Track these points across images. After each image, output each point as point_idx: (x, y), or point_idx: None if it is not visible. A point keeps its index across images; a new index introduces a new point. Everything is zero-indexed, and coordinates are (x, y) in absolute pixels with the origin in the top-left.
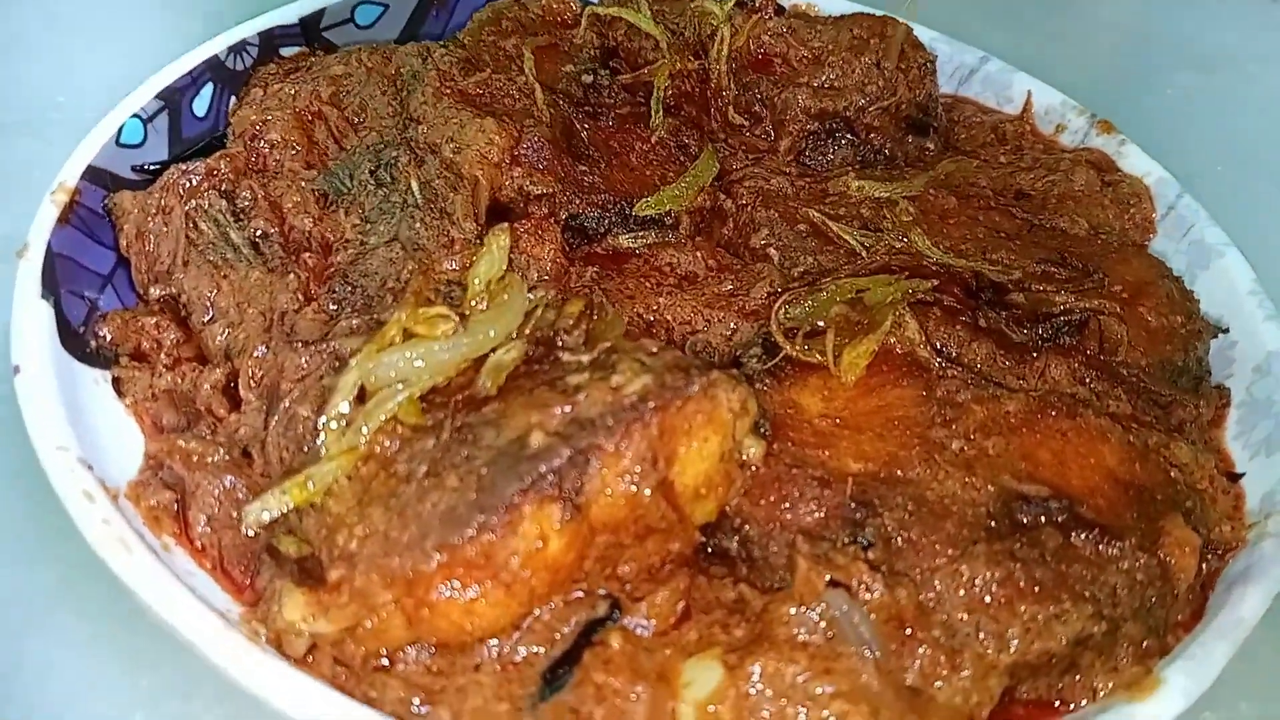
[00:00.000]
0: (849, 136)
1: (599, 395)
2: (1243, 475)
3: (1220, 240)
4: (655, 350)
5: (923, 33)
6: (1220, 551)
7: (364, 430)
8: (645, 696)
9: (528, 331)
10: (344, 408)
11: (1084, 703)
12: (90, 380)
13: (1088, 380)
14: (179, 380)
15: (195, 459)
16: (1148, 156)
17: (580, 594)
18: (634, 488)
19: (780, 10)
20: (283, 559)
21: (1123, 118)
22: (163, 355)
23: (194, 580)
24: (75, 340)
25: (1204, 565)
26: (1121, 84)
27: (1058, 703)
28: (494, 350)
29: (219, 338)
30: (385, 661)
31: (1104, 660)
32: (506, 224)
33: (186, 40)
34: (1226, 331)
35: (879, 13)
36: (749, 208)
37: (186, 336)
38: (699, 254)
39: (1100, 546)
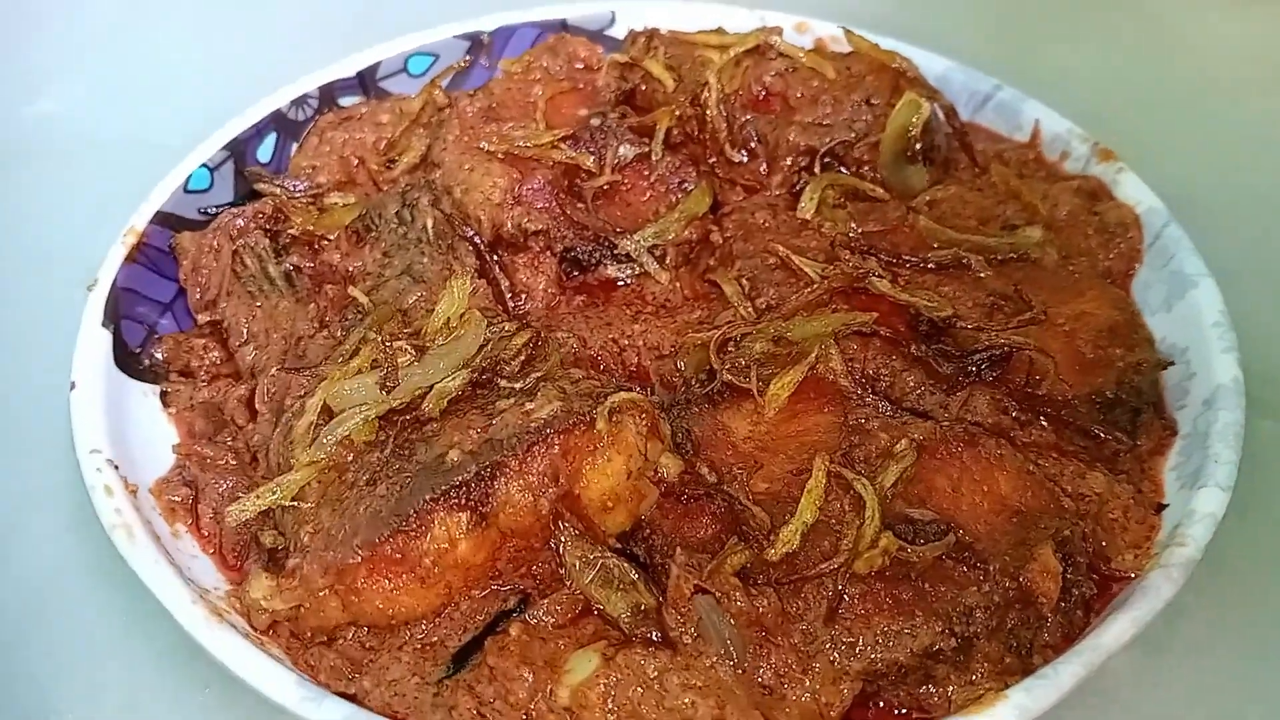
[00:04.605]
0: (840, 171)
1: (512, 419)
2: (1166, 506)
3: (1196, 270)
4: (578, 379)
5: (936, 62)
6: (1119, 579)
7: (325, 445)
8: (530, 679)
9: (476, 361)
10: (305, 426)
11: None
12: (140, 394)
13: (1010, 410)
14: (215, 394)
15: (208, 461)
16: (1143, 184)
17: (497, 589)
18: (534, 499)
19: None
20: (262, 548)
21: None
22: (203, 372)
23: (196, 562)
24: (131, 359)
25: (1082, 591)
26: None
27: (914, 711)
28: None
29: (248, 358)
30: (327, 639)
31: (959, 674)
32: (469, 271)
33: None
34: (1173, 364)
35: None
36: (731, 240)
37: (227, 356)
38: (678, 284)
39: (966, 569)
